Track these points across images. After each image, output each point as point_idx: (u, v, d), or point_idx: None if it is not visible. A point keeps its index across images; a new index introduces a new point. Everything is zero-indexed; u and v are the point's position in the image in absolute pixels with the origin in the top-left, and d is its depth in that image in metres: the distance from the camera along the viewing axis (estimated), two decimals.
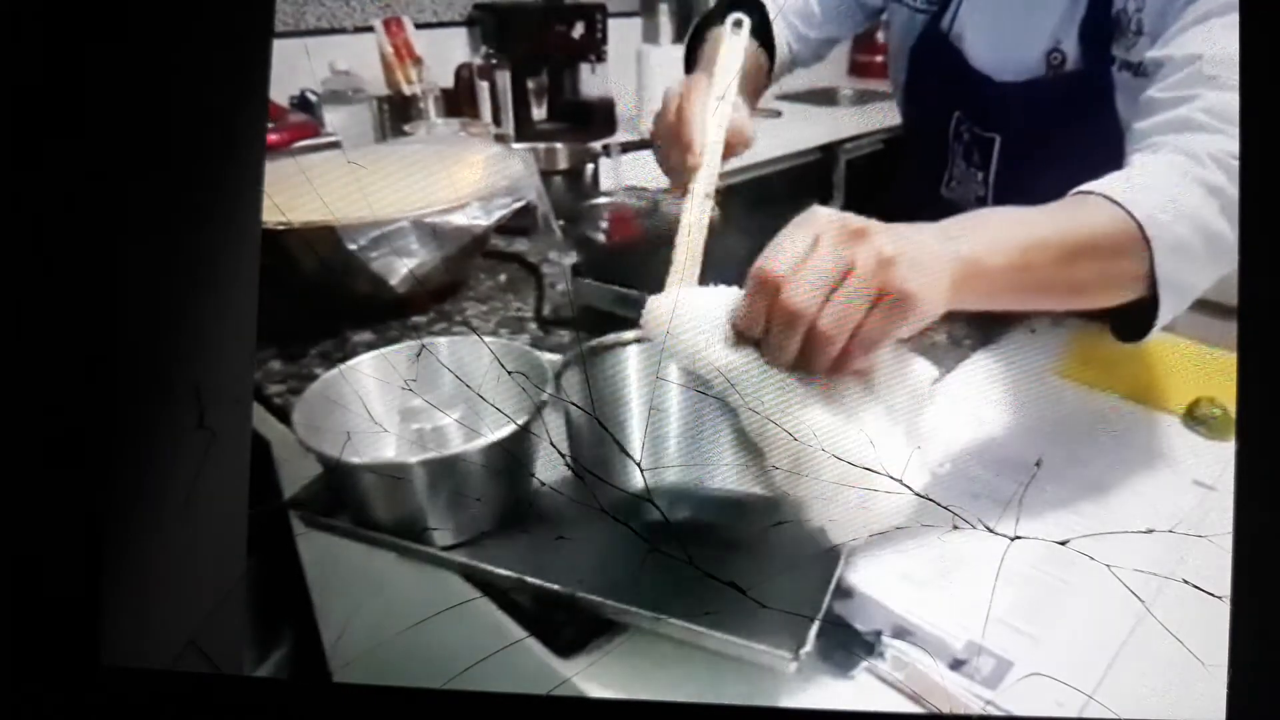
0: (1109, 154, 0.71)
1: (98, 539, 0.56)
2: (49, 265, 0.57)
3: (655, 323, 0.52)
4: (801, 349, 0.48)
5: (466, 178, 0.84)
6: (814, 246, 0.48)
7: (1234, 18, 0.60)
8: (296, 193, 0.72)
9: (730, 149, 0.67)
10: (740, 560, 0.51)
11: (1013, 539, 0.51)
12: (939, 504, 0.51)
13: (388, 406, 0.58)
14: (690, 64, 0.90)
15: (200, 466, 0.56)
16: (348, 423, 0.55)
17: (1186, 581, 0.48)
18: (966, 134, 0.86)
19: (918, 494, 0.50)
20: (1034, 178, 0.82)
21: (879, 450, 0.49)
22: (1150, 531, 0.52)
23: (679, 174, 0.66)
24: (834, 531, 0.51)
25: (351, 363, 0.58)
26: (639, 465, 0.50)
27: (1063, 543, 0.51)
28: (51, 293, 0.57)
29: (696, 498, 0.51)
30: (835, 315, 0.47)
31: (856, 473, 0.49)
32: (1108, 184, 0.57)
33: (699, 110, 0.65)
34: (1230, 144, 0.57)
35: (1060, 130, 0.79)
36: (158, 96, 0.57)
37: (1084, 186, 0.57)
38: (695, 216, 0.60)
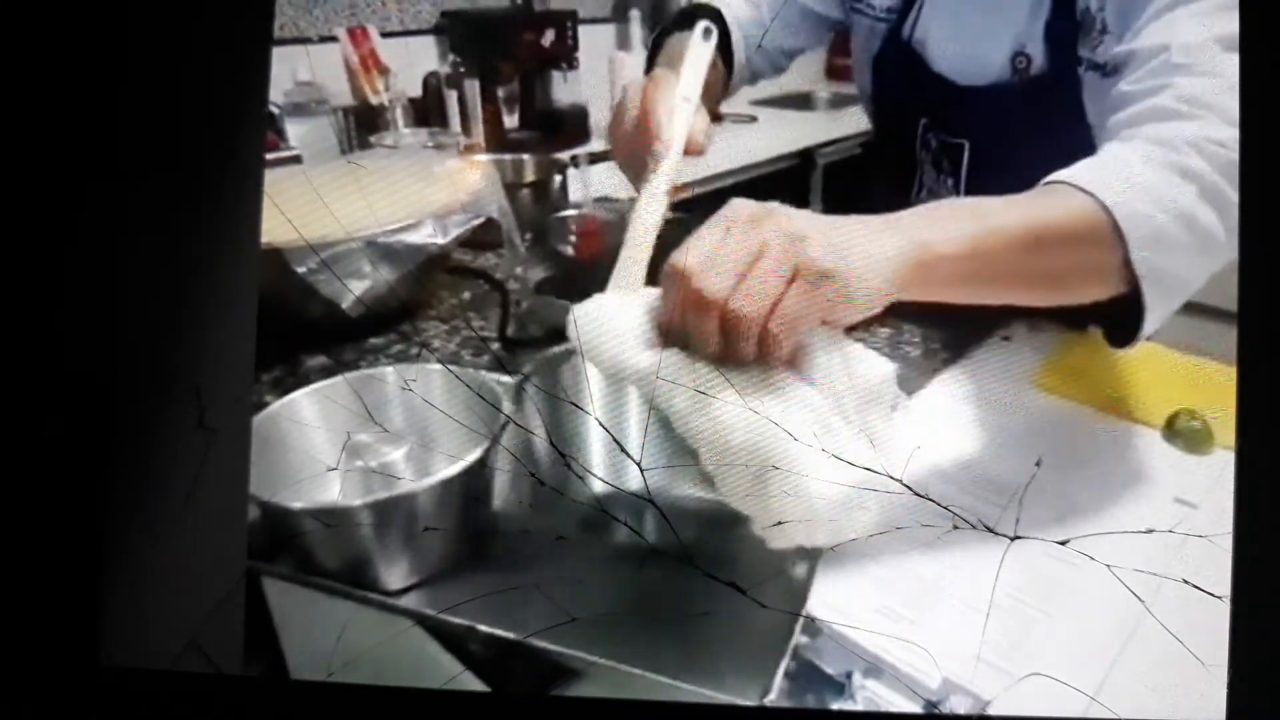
0: (1080, 157, 0.70)
1: (98, 539, 0.55)
2: (50, 265, 0.56)
3: (579, 330, 0.51)
4: (722, 336, 0.47)
5: (425, 194, 0.82)
6: (725, 234, 0.48)
7: (1200, 6, 0.59)
8: None
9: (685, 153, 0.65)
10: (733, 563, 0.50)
11: (1013, 539, 0.50)
12: (939, 504, 0.50)
13: (331, 443, 0.56)
14: (652, 68, 0.88)
15: (200, 466, 0.55)
16: (287, 463, 0.53)
17: (1186, 581, 0.48)
18: (934, 141, 0.84)
19: (918, 494, 0.49)
20: (1005, 183, 0.80)
21: (834, 450, 0.48)
22: (1150, 532, 0.52)
23: (638, 170, 0.64)
24: (834, 532, 0.49)
25: (289, 398, 0.56)
26: (639, 465, 0.50)
27: (1063, 542, 0.50)
28: (52, 293, 0.56)
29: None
30: (747, 295, 0.46)
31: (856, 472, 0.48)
32: (1072, 171, 0.55)
33: (665, 105, 0.63)
34: (1208, 129, 0.54)
35: (1030, 134, 0.78)
36: (158, 97, 0.57)
37: (1051, 176, 0.56)
38: (650, 215, 0.59)
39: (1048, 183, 0.55)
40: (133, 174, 0.56)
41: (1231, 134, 0.54)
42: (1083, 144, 0.70)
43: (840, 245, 0.47)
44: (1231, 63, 0.54)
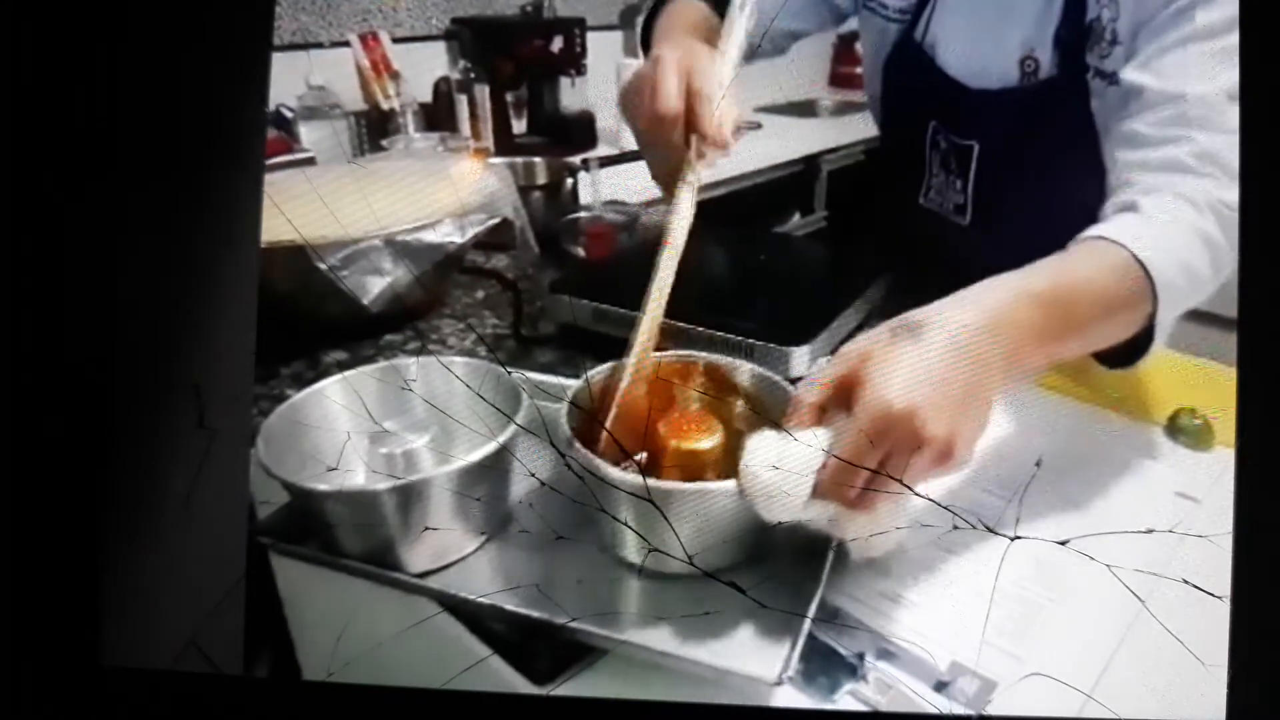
0: (1086, 160, 0.71)
1: (98, 539, 0.55)
2: (50, 266, 0.57)
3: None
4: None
5: (442, 194, 0.83)
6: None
7: (1212, 46, 0.62)
8: (267, 211, 0.71)
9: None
10: (736, 561, 0.51)
11: (1013, 539, 0.51)
12: (939, 504, 0.51)
13: (356, 431, 0.57)
14: (647, 38, 0.87)
15: (200, 466, 0.55)
16: (314, 448, 0.54)
17: (1186, 581, 0.48)
18: (944, 142, 0.85)
19: (918, 494, 0.49)
20: (1013, 185, 0.82)
21: None
22: (1150, 531, 0.52)
23: (668, 152, 0.62)
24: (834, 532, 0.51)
25: (317, 386, 0.57)
26: (639, 464, 0.50)
27: (1063, 542, 0.51)
28: (53, 293, 0.57)
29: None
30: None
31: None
32: (1127, 233, 0.58)
33: (712, 94, 0.60)
34: (1222, 190, 0.60)
35: (1037, 137, 0.79)
36: (159, 99, 0.57)
37: (1102, 232, 0.59)
38: (690, 209, 0.59)
39: (1097, 238, 0.59)
40: (132, 174, 0.57)
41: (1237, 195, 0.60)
42: (1089, 148, 0.71)
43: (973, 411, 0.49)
44: (1236, 113, 0.59)
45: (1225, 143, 0.60)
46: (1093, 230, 0.59)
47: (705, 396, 0.60)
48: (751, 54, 0.92)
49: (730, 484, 0.48)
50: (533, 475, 0.54)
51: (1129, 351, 0.61)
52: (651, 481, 0.49)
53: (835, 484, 0.47)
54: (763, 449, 0.48)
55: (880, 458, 0.47)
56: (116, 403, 0.56)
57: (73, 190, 0.56)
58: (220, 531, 0.55)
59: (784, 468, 0.47)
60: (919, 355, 0.48)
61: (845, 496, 0.48)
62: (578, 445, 0.51)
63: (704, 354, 0.60)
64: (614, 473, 0.49)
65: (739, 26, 0.64)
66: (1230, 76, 0.60)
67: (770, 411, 0.56)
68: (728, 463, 0.52)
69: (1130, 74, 0.67)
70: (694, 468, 0.53)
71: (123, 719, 0.56)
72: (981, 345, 0.50)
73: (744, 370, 0.59)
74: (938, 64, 0.83)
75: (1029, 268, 0.55)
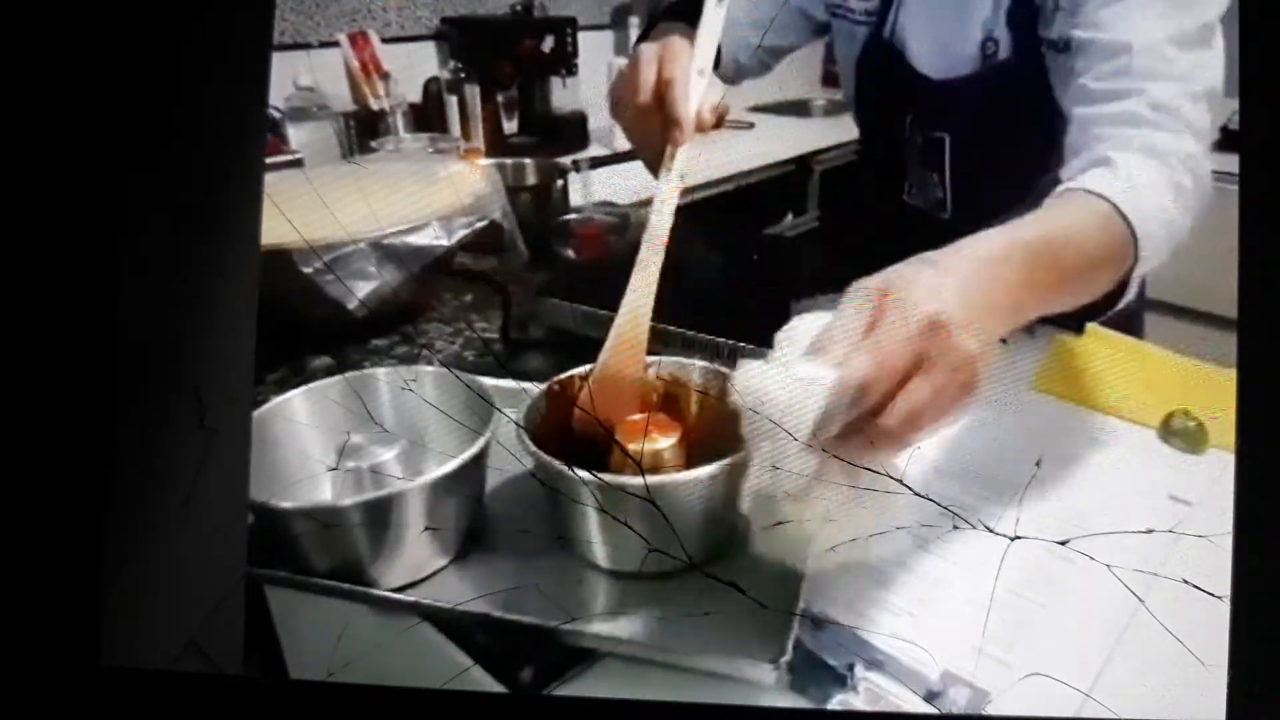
0: (1052, 139, 0.71)
1: (98, 539, 0.55)
2: (50, 265, 0.57)
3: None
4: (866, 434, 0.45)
5: (430, 196, 0.82)
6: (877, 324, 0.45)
7: None
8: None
9: (714, 124, 0.64)
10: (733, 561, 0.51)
11: (1012, 539, 0.51)
12: (939, 504, 0.51)
13: (324, 445, 0.56)
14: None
15: (200, 466, 0.55)
16: (278, 464, 0.53)
17: (1186, 581, 0.48)
18: (919, 137, 0.86)
19: (918, 494, 0.49)
20: (988, 175, 0.82)
21: None
22: (1150, 531, 0.52)
23: (648, 140, 0.64)
24: (834, 532, 0.50)
25: (280, 399, 0.57)
26: (639, 465, 0.50)
27: (1063, 543, 0.50)
28: (52, 293, 0.57)
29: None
30: (904, 418, 0.44)
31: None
32: (1106, 186, 0.57)
33: (682, 78, 0.62)
34: (1186, 143, 0.60)
35: (1005, 121, 0.79)
36: (159, 100, 0.57)
37: (1082, 184, 0.58)
38: (673, 194, 0.60)
39: (1076, 189, 0.58)
40: (133, 175, 0.56)
41: (1200, 147, 0.61)
42: (1054, 126, 0.71)
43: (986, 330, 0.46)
44: (1185, 61, 0.61)
45: (1176, 90, 0.61)
46: (1072, 182, 0.58)
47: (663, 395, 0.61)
48: (737, 75, 0.93)
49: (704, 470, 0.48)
50: (533, 475, 0.54)
51: (1103, 305, 0.61)
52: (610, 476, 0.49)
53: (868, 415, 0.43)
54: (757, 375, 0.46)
55: (903, 379, 0.43)
56: (117, 403, 0.56)
57: (73, 190, 0.56)
58: (220, 531, 0.55)
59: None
60: (939, 279, 0.46)
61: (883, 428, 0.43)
62: (534, 447, 0.51)
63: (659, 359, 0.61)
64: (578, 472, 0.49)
65: (713, 22, 0.64)
66: (1171, 24, 0.61)
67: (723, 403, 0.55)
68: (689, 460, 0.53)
69: (1078, 33, 0.67)
70: (653, 468, 0.53)
71: (123, 719, 0.56)
72: (980, 288, 0.47)
73: (695, 369, 0.60)
74: (906, 59, 0.83)
75: (1016, 221, 0.53)
